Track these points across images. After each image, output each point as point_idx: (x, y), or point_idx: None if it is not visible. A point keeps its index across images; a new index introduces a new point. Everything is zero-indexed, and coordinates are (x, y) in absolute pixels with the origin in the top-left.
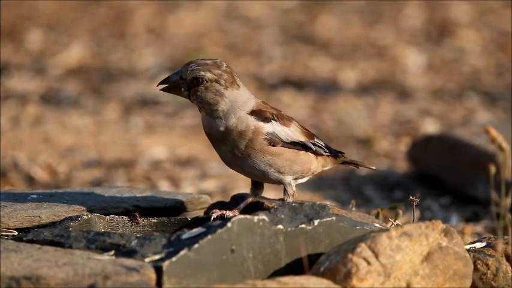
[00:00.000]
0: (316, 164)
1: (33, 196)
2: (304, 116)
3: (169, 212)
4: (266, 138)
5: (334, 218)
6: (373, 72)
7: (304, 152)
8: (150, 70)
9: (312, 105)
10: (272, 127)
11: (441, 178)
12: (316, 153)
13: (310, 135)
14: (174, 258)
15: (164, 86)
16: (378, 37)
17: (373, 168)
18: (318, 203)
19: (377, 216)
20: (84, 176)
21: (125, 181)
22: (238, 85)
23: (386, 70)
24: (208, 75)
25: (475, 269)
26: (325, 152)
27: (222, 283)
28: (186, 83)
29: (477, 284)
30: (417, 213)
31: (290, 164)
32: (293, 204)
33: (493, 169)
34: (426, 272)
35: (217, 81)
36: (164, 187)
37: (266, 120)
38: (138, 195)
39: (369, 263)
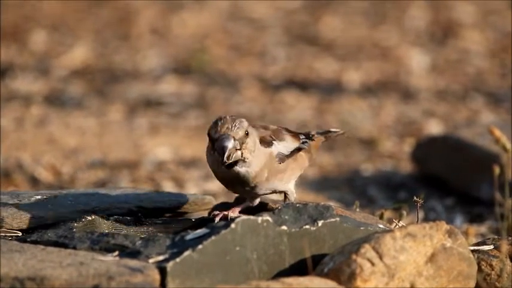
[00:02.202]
0: (307, 158)
1: (37, 197)
2: (308, 117)
3: (173, 212)
4: (276, 160)
5: (338, 218)
6: (377, 73)
7: (299, 154)
8: (154, 71)
9: (316, 106)
10: (276, 148)
11: (445, 179)
12: (306, 150)
13: (297, 136)
14: (178, 259)
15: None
16: (382, 38)
17: (343, 132)
18: (322, 203)
19: (381, 217)
20: (88, 177)
21: (128, 182)
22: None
23: (391, 71)
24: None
25: (479, 269)
26: (310, 141)
27: (226, 284)
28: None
29: (481, 285)
30: (421, 214)
31: (292, 172)
32: (297, 205)
33: (497, 170)
34: (430, 273)
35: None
36: (168, 188)
37: (270, 144)
38: (142, 195)
39: (372, 264)
